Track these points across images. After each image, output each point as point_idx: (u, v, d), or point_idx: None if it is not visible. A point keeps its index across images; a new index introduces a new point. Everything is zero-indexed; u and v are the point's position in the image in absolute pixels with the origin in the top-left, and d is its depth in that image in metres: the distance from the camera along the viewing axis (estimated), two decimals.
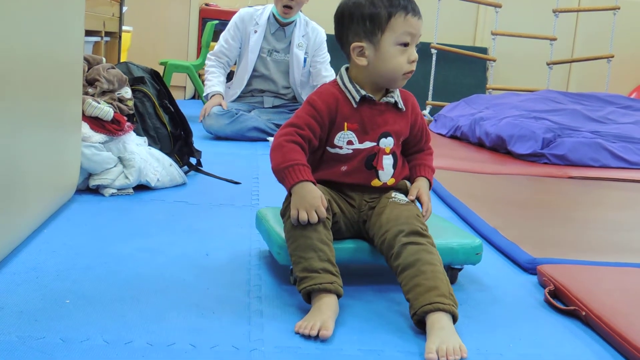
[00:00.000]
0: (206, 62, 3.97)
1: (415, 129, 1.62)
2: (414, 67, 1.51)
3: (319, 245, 1.40)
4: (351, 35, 1.52)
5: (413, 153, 1.66)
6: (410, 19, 1.48)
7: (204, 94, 3.89)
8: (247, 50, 3.86)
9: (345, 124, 1.53)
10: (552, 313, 1.50)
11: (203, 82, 5.63)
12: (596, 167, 3.52)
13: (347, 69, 1.57)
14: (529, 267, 1.76)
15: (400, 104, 1.58)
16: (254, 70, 3.89)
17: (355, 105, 1.53)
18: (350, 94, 1.54)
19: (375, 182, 1.57)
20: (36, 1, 1.62)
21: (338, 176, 1.55)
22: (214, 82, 3.86)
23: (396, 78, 1.52)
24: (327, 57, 3.98)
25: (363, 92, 1.53)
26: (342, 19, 1.53)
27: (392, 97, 1.56)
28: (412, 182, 1.62)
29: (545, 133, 3.63)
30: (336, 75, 1.61)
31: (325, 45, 3.96)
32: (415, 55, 1.50)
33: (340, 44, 1.56)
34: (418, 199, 1.57)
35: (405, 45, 1.49)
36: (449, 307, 1.28)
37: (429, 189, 1.62)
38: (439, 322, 1.26)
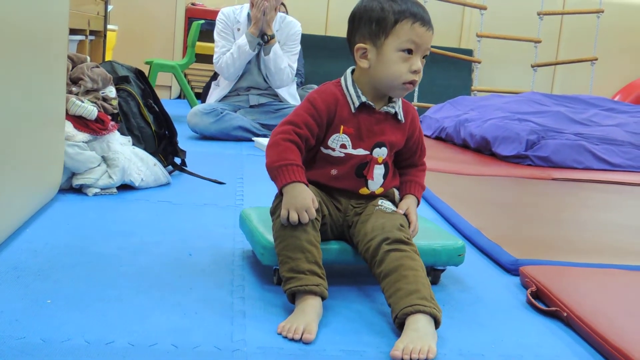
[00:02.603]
0: (219, 64, 3.84)
1: (410, 142, 1.61)
2: (416, 77, 1.48)
3: (307, 247, 1.40)
4: (358, 37, 1.52)
5: (406, 167, 1.65)
6: (418, 28, 1.46)
7: (247, 46, 3.75)
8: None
9: (342, 126, 1.52)
10: (534, 314, 1.50)
11: (189, 81, 5.68)
12: (579, 169, 3.55)
13: (353, 71, 1.56)
14: (512, 268, 1.77)
15: (400, 116, 1.56)
16: (243, 70, 3.88)
17: (353, 111, 1.53)
18: (351, 98, 1.53)
19: (364, 191, 1.56)
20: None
21: (327, 179, 1.55)
22: (239, 43, 3.78)
23: (395, 86, 1.49)
24: (297, 49, 3.98)
25: (363, 99, 1.52)
26: (353, 20, 1.53)
27: (393, 107, 1.55)
28: (401, 197, 1.62)
29: (529, 135, 3.65)
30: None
31: (297, 37, 3.98)
32: (417, 65, 1.47)
33: (348, 45, 1.55)
34: (405, 216, 1.56)
35: (409, 53, 1.46)
36: (429, 309, 1.28)
37: (417, 205, 1.62)
38: (414, 323, 1.26)
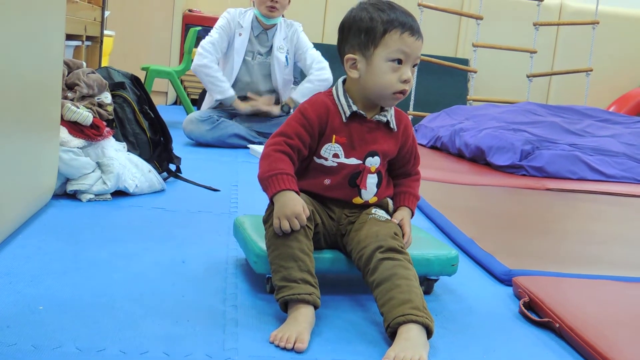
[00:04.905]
0: (200, 52, 3.80)
1: (404, 150, 1.61)
2: (406, 87, 1.48)
3: (300, 255, 1.39)
4: (347, 47, 1.52)
5: (400, 176, 1.64)
6: (407, 38, 1.46)
7: (221, 95, 3.79)
8: (233, 52, 3.86)
9: (334, 136, 1.53)
10: (527, 325, 1.50)
11: (185, 88, 5.68)
12: (573, 179, 3.56)
13: (344, 80, 1.57)
14: (505, 279, 1.78)
15: (393, 124, 1.57)
16: (238, 77, 3.88)
17: (345, 120, 1.53)
18: (342, 107, 1.53)
19: (357, 200, 1.57)
20: (15, 4, 1.61)
21: (321, 189, 1.55)
22: (227, 84, 3.81)
23: (385, 96, 1.50)
24: (310, 45, 3.98)
25: (354, 108, 1.52)
26: (342, 30, 1.54)
27: (385, 116, 1.55)
28: (395, 208, 1.62)
29: (524, 145, 3.66)
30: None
31: (305, 39, 3.97)
32: (407, 75, 1.47)
33: (339, 55, 1.56)
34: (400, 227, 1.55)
35: (399, 62, 1.47)
36: (422, 318, 1.28)
37: (411, 217, 1.62)
38: (406, 332, 1.26)
